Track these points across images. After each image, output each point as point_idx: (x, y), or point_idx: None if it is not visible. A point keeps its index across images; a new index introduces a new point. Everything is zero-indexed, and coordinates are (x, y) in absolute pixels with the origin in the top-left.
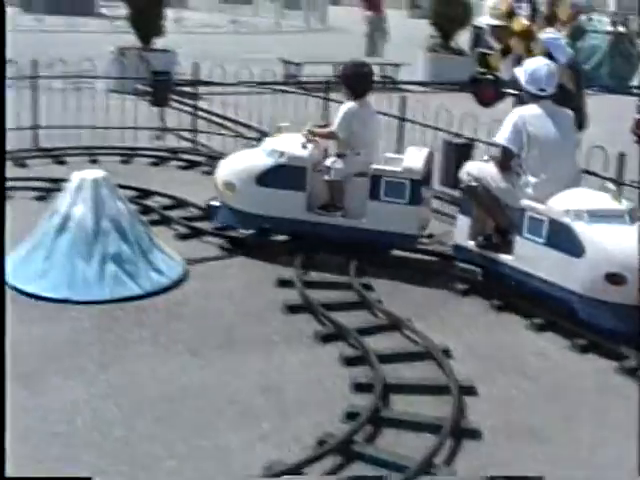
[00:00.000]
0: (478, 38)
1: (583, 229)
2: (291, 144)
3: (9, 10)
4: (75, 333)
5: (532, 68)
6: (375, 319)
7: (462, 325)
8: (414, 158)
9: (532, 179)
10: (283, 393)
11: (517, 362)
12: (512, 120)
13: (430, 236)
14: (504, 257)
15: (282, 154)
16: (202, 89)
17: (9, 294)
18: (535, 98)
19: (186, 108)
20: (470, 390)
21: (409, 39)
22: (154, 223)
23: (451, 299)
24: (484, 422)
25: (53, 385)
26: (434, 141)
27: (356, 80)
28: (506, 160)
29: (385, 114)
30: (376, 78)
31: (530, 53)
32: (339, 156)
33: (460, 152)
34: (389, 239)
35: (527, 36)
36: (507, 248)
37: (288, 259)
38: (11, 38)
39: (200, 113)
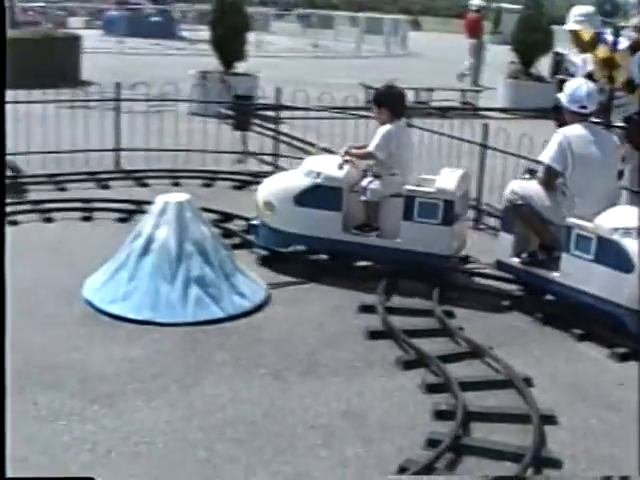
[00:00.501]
0: (559, 65)
1: (633, 246)
2: (328, 165)
3: (93, 32)
4: (157, 354)
5: (572, 88)
6: (456, 346)
7: (543, 353)
8: (448, 179)
9: (577, 198)
10: (365, 419)
11: (598, 391)
12: (557, 139)
13: (466, 257)
14: (550, 273)
15: (319, 174)
16: (284, 113)
17: (92, 315)
18: (577, 117)
19: (268, 132)
20: (551, 419)
21: (489, 65)
22: (236, 247)
23: (532, 327)
24: (564, 451)
25: (135, 406)
26: (516, 168)
27: (394, 102)
28: (550, 179)
29: (467, 141)
30: (457, 104)
31: (613, 82)
32: (376, 177)
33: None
34: (422, 259)
35: (610, 64)
36: (553, 265)
37: (370, 285)
38: (93, 60)
39: (282, 137)
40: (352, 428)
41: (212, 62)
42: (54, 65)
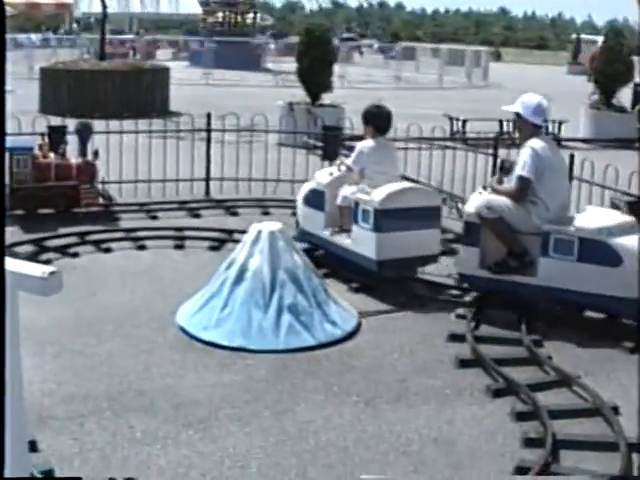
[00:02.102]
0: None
1: (618, 243)
2: (324, 173)
3: (179, 64)
4: (250, 381)
5: (535, 101)
6: (545, 375)
7: (630, 381)
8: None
9: (549, 204)
10: (455, 445)
11: None
12: (527, 153)
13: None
14: (526, 279)
15: (314, 180)
16: None
17: (185, 341)
18: (537, 130)
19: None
20: (638, 447)
21: (568, 95)
22: (326, 276)
23: (618, 356)
24: None
25: (229, 431)
26: (602, 198)
27: (378, 120)
28: (524, 190)
29: None
30: None
31: None
32: (354, 185)
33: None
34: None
35: None
36: (526, 270)
37: (458, 312)
38: (180, 91)
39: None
40: (442, 455)
41: (298, 93)
42: (144, 96)
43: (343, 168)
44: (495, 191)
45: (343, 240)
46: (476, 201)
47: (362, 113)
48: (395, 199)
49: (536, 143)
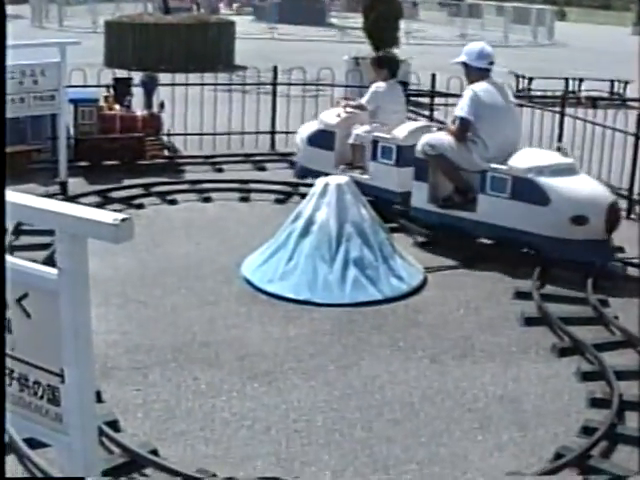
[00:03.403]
0: None
1: (546, 182)
2: (331, 114)
3: (243, 18)
4: (315, 334)
5: (478, 47)
6: (611, 335)
7: None
8: (402, 130)
9: (489, 143)
10: (520, 404)
11: None
12: (468, 95)
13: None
14: (467, 214)
15: (321, 121)
16: (438, 100)
17: (250, 294)
18: (484, 73)
19: (422, 119)
20: None
21: (633, 56)
22: (393, 230)
23: None
24: None
25: (294, 384)
26: None
27: (392, 64)
28: (464, 130)
29: (621, 131)
30: (605, 95)
31: None
32: (363, 124)
33: None
34: (379, 194)
35: None
36: (469, 206)
37: (523, 271)
38: (245, 45)
39: (435, 124)
40: (508, 413)
41: (364, 48)
42: (209, 49)
43: (350, 110)
44: (349, 107)
45: (358, 176)
46: (422, 139)
47: (375, 58)
48: (414, 137)
49: (478, 86)
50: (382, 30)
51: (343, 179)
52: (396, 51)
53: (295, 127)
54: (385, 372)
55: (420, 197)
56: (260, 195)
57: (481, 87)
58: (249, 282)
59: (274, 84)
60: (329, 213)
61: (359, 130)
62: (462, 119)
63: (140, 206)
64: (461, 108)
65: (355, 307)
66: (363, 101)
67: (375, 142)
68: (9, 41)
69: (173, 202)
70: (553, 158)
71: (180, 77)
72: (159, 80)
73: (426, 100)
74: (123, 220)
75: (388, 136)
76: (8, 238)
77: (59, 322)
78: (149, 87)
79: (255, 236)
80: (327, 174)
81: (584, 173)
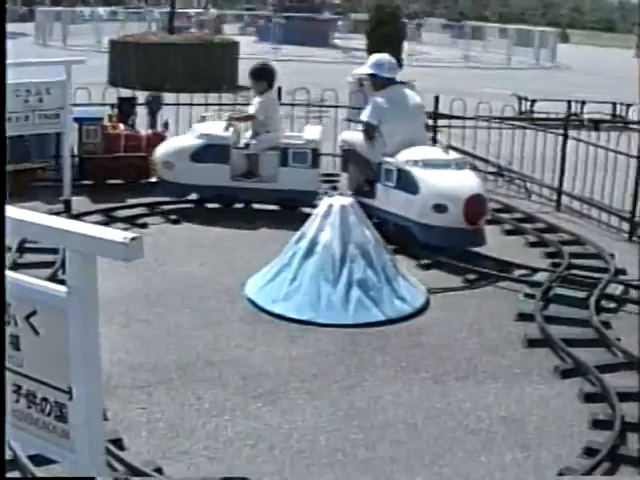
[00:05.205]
0: None
1: (418, 173)
2: (215, 128)
3: (247, 39)
4: (319, 355)
5: (382, 60)
6: (613, 357)
7: None
8: (312, 132)
9: (388, 141)
10: (523, 425)
11: None
12: (372, 102)
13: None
14: (371, 201)
15: (209, 136)
16: (441, 122)
17: (254, 313)
18: (388, 82)
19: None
20: None
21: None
22: (396, 252)
23: None
24: None
25: (297, 404)
26: None
27: (270, 76)
28: (370, 131)
29: (624, 154)
30: (607, 117)
31: None
32: (255, 134)
33: None
34: (295, 197)
35: None
36: (373, 194)
37: (527, 292)
38: (248, 65)
39: (438, 145)
40: (511, 434)
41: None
42: (213, 69)
43: (234, 122)
44: (234, 119)
45: (267, 185)
46: (340, 136)
47: (253, 70)
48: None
49: (382, 94)
50: (385, 51)
51: (347, 200)
52: (400, 72)
53: None
54: (388, 393)
55: (343, 185)
56: (263, 215)
57: (385, 95)
58: (253, 302)
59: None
60: (333, 234)
61: (256, 140)
62: (367, 123)
63: (144, 225)
64: (365, 113)
65: (358, 328)
66: (252, 111)
67: (285, 149)
68: (14, 59)
69: (176, 221)
70: (433, 153)
71: (184, 97)
72: (163, 100)
73: (429, 122)
74: (133, 239)
75: (299, 141)
76: (12, 255)
77: (67, 339)
78: (153, 107)
79: (258, 256)
80: (220, 187)
81: (469, 169)
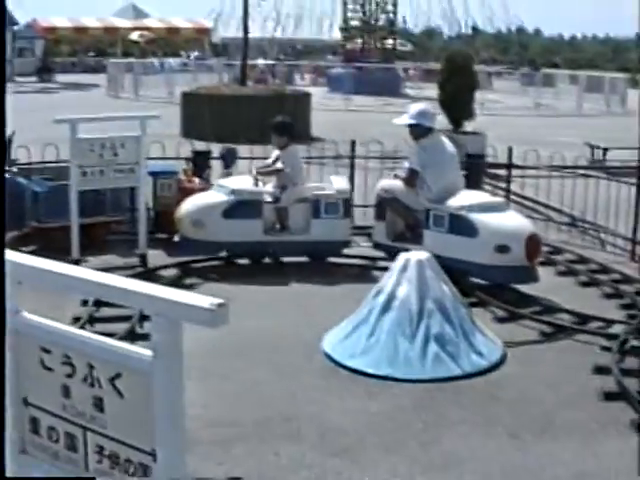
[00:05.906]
0: None
1: (474, 217)
2: (245, 183)
3: (318, 89)
4: (396, 410)
5: (423, 110)
6: None
7: None
8: (340, 182)
9: (433, 187)
10: None
11: None
12: (417, 150)
13: None
14: (416, 247)
15: (240, 192)
16: (515, 172)
17: (331, 368)
18: (430, 130)
19: (499, 191)
20: None
21: None
22: (472, 305)
23: None
24: None
25: (374, 459)
26: None
27: (291, 131)
28: (413, 178)
29: None
30: None
31: None
32: (282, 188)
33: None
34: (326, 247)
35: None
36: (417, 240)
37: (604, 345)
38: (320, 116)
39: (512, 196)
40: None
41: (440, 120)
42: None
43: (261, 177)
44: (261, 174)
45: (299, 237)
46: (378, 185)
47: (274, 125)
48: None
49: (425, 142)
50: (458, 101)
51: (424, 254)
52: (471, 123)
53: (372, 200)
54: (465, 447)
55: (379, 233)
56: (339, 269)
57: (428, 142)
58: (330, 357)
59: (352, 157)
60: (410, 289)
61: (285, 194)
62: (410, 170)
63: (219, 279)
64: (410, 161)
65: (435, 383)
66: (280, 165)
67: (316, 200)
68: (89, 109)
69: (253, 275)
70: (483, 197)
71: (258, 149)
72: (238, 153)
73: (503, 172)
74: (220, 305)
75: (331, 192)
76: (89, 309)
77: (152, 402)
78: (228, 160)
79: (336, 311)
80: (253, 242)
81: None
